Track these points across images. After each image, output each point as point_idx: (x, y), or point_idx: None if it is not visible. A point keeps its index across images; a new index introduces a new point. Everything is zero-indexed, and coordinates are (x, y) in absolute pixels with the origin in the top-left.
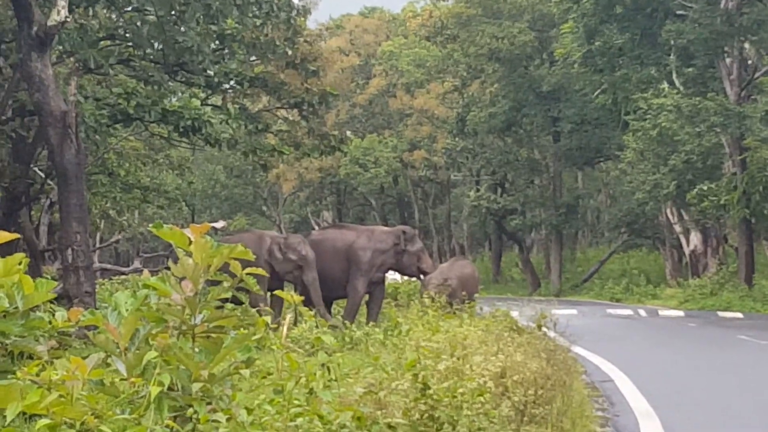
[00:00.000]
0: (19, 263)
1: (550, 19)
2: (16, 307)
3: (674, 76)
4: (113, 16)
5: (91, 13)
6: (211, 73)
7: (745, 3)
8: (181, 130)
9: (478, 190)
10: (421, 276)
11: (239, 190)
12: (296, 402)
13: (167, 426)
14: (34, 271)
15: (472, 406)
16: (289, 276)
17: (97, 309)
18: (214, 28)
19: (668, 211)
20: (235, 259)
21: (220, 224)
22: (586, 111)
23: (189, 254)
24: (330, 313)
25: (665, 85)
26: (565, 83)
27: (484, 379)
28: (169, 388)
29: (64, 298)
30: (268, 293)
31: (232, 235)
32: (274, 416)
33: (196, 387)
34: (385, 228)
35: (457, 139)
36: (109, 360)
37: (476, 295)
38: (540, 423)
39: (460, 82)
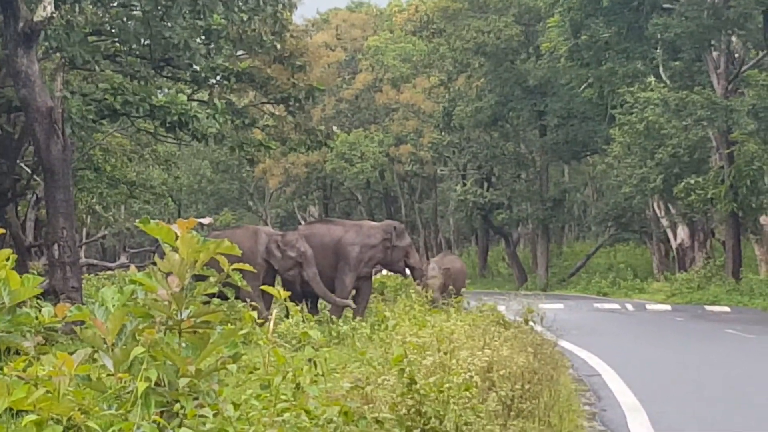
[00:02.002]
0: (6, 259)
1: (536, 12)
2: (3, 303)
3: (661, 69)
4: (99, 11)
5: (77, 8)
6: (198, 68)
7: None
8: (167, 125)
9: (464, 185)
10: (407, 271)
11: (225, 185)
12: (283, 397)
13: (154, 421)
14: (20, 266)
15: (459, 401)
16: (288, 273)
17: (83, 304)
18: (200, 23)
19: (655, 204)
20: (223, 254)
21: (206, 221)
22: (573, 105)
23: (175, 249)
24: (317, 308)
25: (652, 78)
26: (551, 77)
27: (470, 373)
28: (156, 384)
29: (50, 294)
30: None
31: (224, 231)
32: (261, 411)
33: (183, 382)
34: (374, 223)
35: (443, 133)
36: (96, 355)
37: (463, 289)
38: (527, 417)
39: (447, 77)
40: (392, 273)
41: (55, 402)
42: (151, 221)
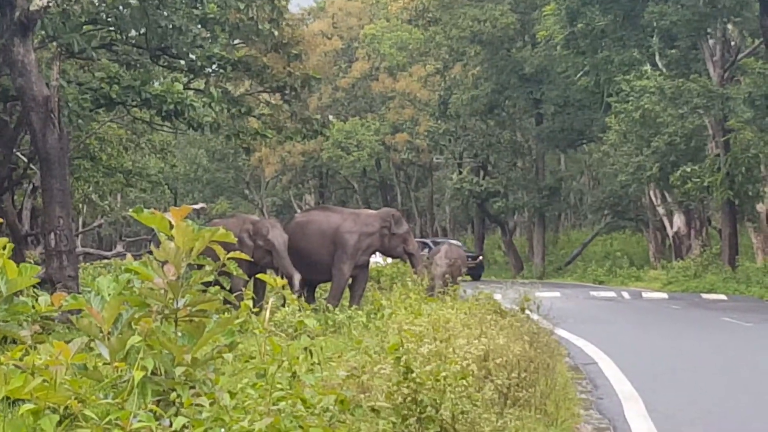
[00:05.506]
0: (3, 248)
1: (532, 1)
2: (0, 292)
3: (657, 57)
4: (95, 0)
5: None
6: (194, 57)
7: None
8: (163, 114)
9: (460, 173)
10: (405, 257)
11: (221, 174)
12: (279, 386)
13: (151, 410)
14: (16, 255)
15: (455, 390)
16: (263, 262)
17: (80, 293)
18: (196, 12)
19: (651, 192)
20: (218, 242)
21: (199, 206)
22: (569, 93)
23: (171, 238)
24: (314, 296)
25: (648, 66)
26: (547, 65)
27: (467, 362)
28: (153, 373)
29: (47, 283)
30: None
31: (220, 219)
32: (257, 400)
33: (179, 371)
34: (371, 211)
35: (439, 121)
36: (92, 344)
37: (460, 278)
38: (523, 406)
39: (443, 65)
40: (392, 259)
41: (51, 391)
42: (147, 210)
